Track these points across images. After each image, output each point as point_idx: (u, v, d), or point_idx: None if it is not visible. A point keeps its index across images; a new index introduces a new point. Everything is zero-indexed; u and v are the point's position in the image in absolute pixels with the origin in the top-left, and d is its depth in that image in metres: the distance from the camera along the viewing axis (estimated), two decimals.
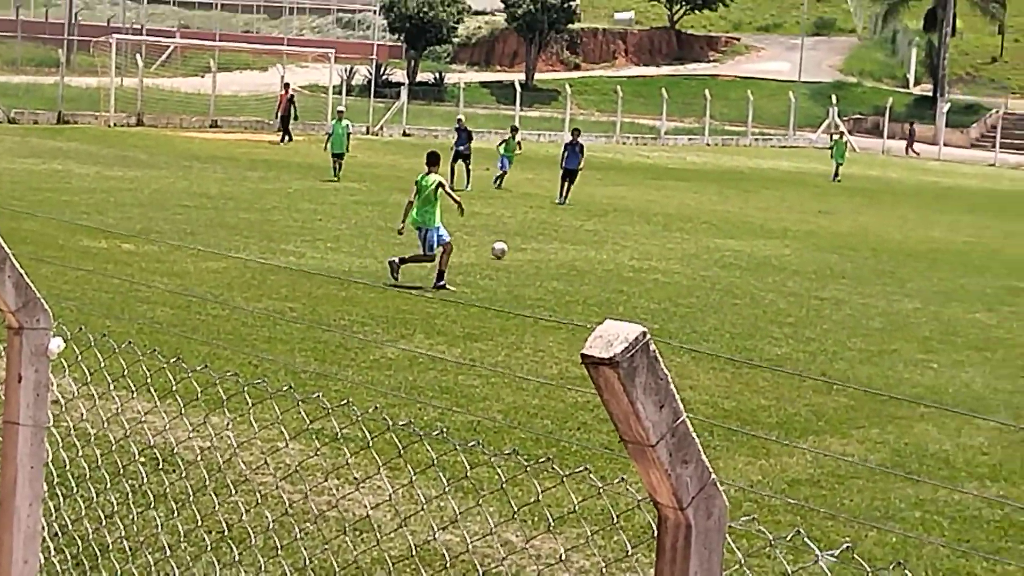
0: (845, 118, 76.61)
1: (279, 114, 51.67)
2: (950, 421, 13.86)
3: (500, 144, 39.93)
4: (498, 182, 38.57)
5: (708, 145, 69.32)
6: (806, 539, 3.91)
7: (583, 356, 3.10)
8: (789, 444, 12.70)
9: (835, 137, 51.15)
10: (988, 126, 76.69)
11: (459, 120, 40.63)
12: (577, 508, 8.24)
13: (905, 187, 49.19)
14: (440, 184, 20.91)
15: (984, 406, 14.97)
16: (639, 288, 21.88)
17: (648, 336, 3.09)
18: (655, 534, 3.31)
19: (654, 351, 3.10)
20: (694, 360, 16.03)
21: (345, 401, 5.84)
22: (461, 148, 38.07)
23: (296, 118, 51.55)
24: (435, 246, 20.61)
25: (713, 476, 3.23)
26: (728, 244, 28.80)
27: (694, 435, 3.18)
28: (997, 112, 77.32)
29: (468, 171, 37.61)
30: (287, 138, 49.69)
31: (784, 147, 72.26)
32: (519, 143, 40.11)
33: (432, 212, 20.70)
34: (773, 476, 11.59)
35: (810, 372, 16.18)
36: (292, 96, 51.03)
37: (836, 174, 49.63)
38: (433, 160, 21.44)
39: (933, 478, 11.92)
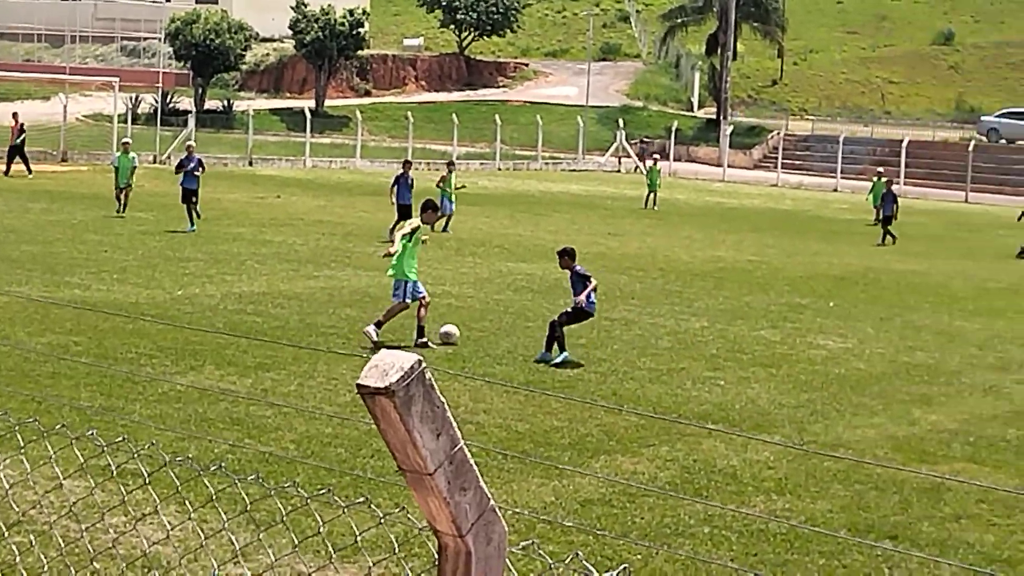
0: (632, 141, 77.90)
1: (10, 144, 48.77)
2: (737, 437, 14.15)
3: (439, 183, 37.86)
4: (444, 226, 35.70)
5: (499, 169, 69.83)
6: (584, 561, 3.93)
7: (359, 386, 3.07)
8: (582, 465, 12.83)
9: (649, 164, 51.17)
10: (770, 147, 78.72)
11: (188, 147, 37.11)
12: (361, 538, 8.19)
13: (692, 208, 50.20)
14: (415, 229, 19.40)
15: (769, 421, 15.33)
16: (432, 313, 21.83)
17: (424, 364, 3.08)
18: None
19: (430, 379, 3.09)
20: (488, 383, 16.09)
21: (122, 438, 5.69)
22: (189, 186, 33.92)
23: (19, 148, 48.30)
24: (411, 299, 19.20)
25: (492, 503, 3.24)
26: (520, 267, 29.02)
27: (472, 462, 3.18)
28: (778, 133, 79.44)
29: (194, 210, 33.61)
30: (27, 170, 47.22)
31: (574, 171, 73.17)
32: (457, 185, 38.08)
33: (407, 263, 19.22)
34: (566, 497, 11.68)
35: (601, 393, 16.38)
36: (22, 125, 48.72)
37: (654, 202, 48.78)
38: (426, 207, 20.50)
39: (721, 494, 12.16)
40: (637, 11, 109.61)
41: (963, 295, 27.92)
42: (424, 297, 19.40)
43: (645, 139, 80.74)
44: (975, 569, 10.26)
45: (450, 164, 40.21)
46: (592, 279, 18.79)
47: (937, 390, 17.69)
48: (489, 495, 3.22)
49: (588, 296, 18.49)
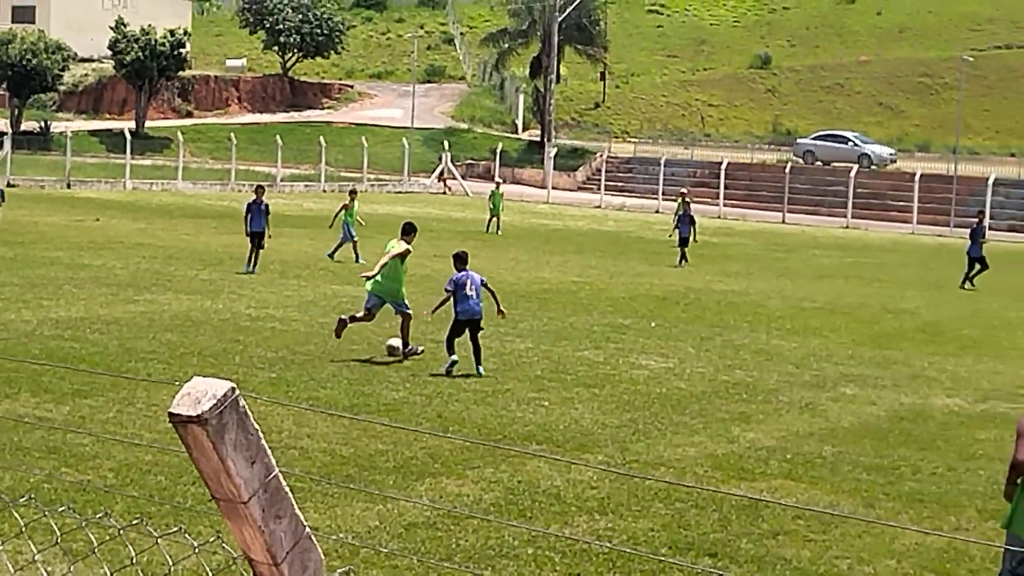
0: (458, 163, 78.20)
1: None
2: (560, 457, 14.27)
3: (339, 211, 37.07)
4: (356, 256, 35.36)
5: (325, 191, 69.48)
6: None
7: (171, 415, 3.05)
8: (406, 488, 12.81)
9: (492, 188, 50.92)
10: (593, 169, 79.65)
11: None
12: (178, 568, 8.07)
13: (517, 230, 50.48)
14: (406, 253, 21.41)
15: (592, 441, 15.49)
16: (256, 337, 21.69)
17: (237, 392, 3.07)
18: None
19: (243, 407, 3.08)
20: (312, 408, 15.99)
21: None
22: None
23: None
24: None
25: (307, 530, 3.22)
26: (346, 290, 28.88)
27: (287, 490, 3.17)
28: (601, 156, 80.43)
29: None
30: None
31: (399, 192, 73.17)
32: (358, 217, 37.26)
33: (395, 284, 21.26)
34: (391, 521, 11.66)
35: (426, 415, 16.38)
36: None
37: (497, 226, 48.57)
38: (407, 230, 21.98)
39: (545, 515, 12.25)
40: (461, 33, 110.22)
41: (780, 314, 28.53)
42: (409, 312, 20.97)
43: (470, 160, 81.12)
44: None
45: (352, 192, 38.93)
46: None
47: (755, 408, 18.04)
48: (304, 522, 3.21)
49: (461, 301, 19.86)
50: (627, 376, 20.02)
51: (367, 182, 73.70)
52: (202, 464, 3.08)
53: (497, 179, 57.25)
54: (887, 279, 38.18)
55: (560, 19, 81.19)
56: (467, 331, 19.69)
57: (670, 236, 42.14)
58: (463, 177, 76.57)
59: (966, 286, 36.48)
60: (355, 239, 36.33)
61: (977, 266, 36.77)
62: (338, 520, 11.58)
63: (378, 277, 21.03)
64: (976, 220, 39.14)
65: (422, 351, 20.62)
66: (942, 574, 11.12)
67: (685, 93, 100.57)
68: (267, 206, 32.61)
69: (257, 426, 3.11)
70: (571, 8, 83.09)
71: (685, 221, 39.64)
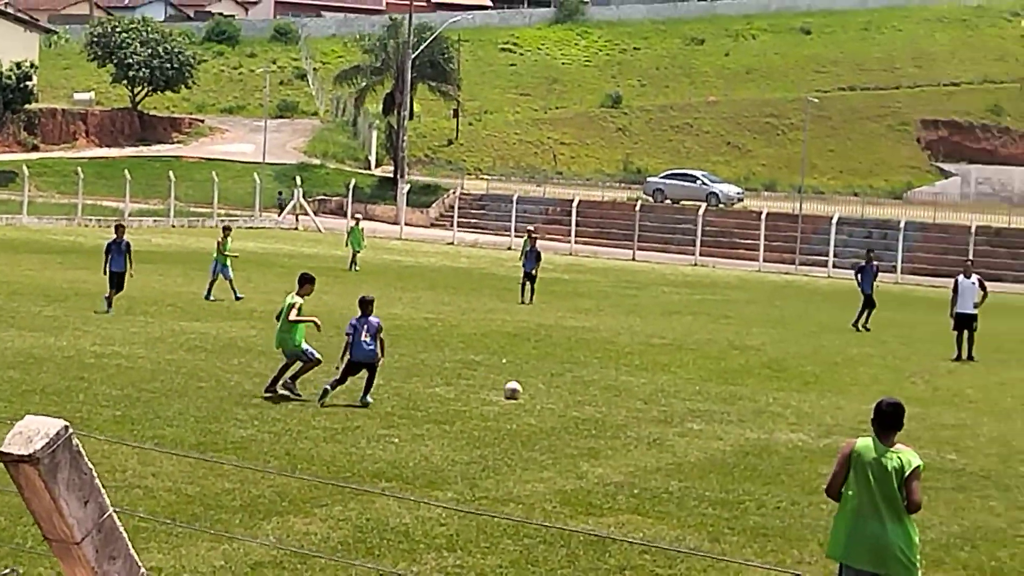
0: (310, 199, 77.77)
1: None
2: (410, 494, 14.27)
3: (218, 247, 36.37)
4: (234, 293, 35.45)
5: (174, 226, 68.64)
6: None
7: (1, 454, 3.01)
8: (253, 527, 12.70)
9: (351, 224, 50.54)
10: (446, 206, 79.77)
11: None
12: None
13: (369, 266, 50.29)
14: (291, 307, 21.00)
15: (442, 478, 15.48)
16: (101, 374, 21.34)
17: (70, 431, 3.04)
18: None
19: (77, 446, 3.05)
20: (158, 446, 15.77)
21: None
22: None
23: None
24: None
25: (143, 570, 3.20)
26: (194, 327, 28.57)
27: (122, 530, 3.14)
28: (454, 192, 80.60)
29: None
30: None
31: (251, 228, 72.50)
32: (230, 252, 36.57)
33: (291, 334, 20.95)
34: (236, 560, 11.54)
35: (274, 453, 16.25)
36: None
37: (353, 262, 48.44)
38: (304, 280, 21.73)
39: (393, 552, 12.22)
40: (314, 69, 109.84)
41: (629, 350, 28.81)
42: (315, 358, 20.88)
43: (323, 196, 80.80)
44: None
45: (226, 229, 38.33)
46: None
47: (604, 444, 18.20)
48: (140, 563, 3.18)
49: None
50: (478, 412, 20.06)
51: (217, 217, 72.94)
52: (34, 504, 3.05)
53: (356, 215, 56.96)
54: (734, 316, 38.78)
55: (413, 56, 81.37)
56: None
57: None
58: (315, 213, 76.19)
59: (860, 328, 35.72)
60: (229, 277, 35.93)
61: (869, 306, 36.14)
62: (182, 560, 11.44)
63: (278, 330, 21.14)
64: (866, 260, 38.27)
65: (300, 396, 20.30)
66: None
67: (537, 131, 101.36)
68: (128, 244, 31.74)
69: (91, 465, 3.08)
70: (424, 45, 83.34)
71: (532, 258, 39.77)
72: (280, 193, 78.06)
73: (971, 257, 46.96)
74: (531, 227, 51.05)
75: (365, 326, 20.51)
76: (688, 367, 26.77)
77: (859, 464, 9.48)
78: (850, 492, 9.49)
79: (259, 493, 13.99)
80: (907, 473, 9.37)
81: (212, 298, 35.02)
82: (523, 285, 39.37)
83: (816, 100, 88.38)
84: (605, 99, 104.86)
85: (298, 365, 20.77)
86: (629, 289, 47.37)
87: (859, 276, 36.84)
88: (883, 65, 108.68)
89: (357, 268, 48.17)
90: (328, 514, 13.37)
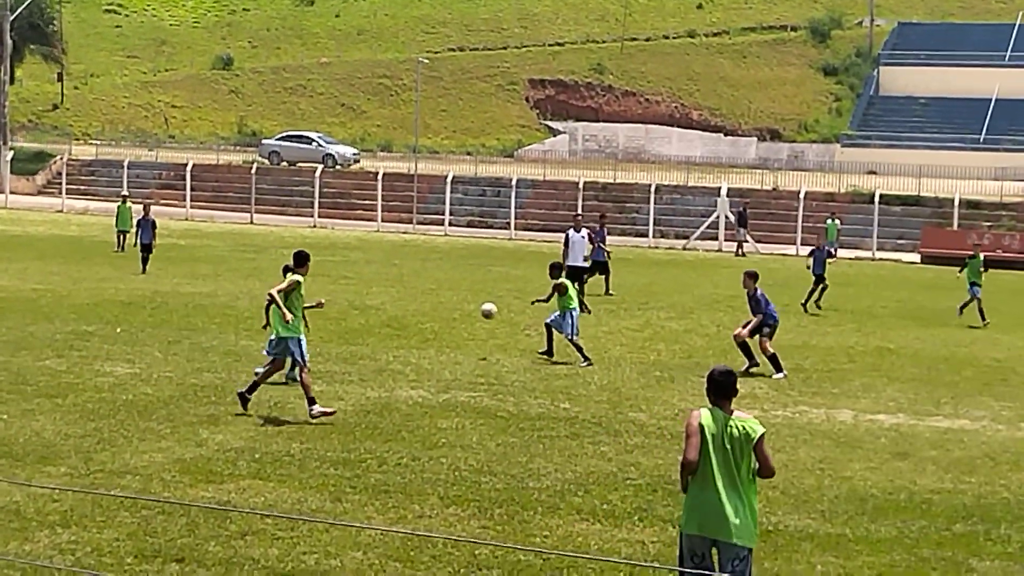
0: None
1: None
2: (20, 471, 13.73)
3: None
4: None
5: None
6: None
7: None
8: None
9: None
10: (54, 173, 76.93)
11: None
12: None
13: None
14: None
15: (55, 453, 14.96)
16: None
17: None
18: None
19: None
20: None
21: None
22: None
23: None
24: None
25: None
26: None
27: None
28: (62, 158, 77.81)
29: None
30: None
31: None
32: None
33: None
34: None
35: None
36: None
37: None
38: (300, 261, 19.44)
39: (4, 531, 11.74)
40: None
41: (249, 315, 28.46)
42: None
43: None
44: None
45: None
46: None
47: (224, 410, 17.96)
48: None
49: None
50: (92, 384, 19.47)
51: None
52: None
53: (123, 194, 52.74)
54: (353, 276, 38.90)
55: (12, 18, 77.97)
56: None
57: (134, 245, 40.44)
58: None
59: (809, 308, 33.87)
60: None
61: (821, 285, 34.33)
62: None
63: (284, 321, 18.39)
64: (817, 242, 36.47)
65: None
66: (406, 561, 11.43)
67: (147, 94, 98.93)
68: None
69: None
70: (23, 7, 79.95)
71: (146, 226, 38.56)
72: None
73: (580, 212, 48.53)
74: (125, 192, 49.31)
75: None
76: (310, 329, 26.65)
77: (703, 436, 9.34)
78: (704, 461, 9.30)
79: None
80: (755, 441, 9.36)
81: None
82: (142, 257, 38.08)
83: (427, 61, 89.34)
84: (216, 61, 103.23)
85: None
86: (248, 253, 46.85)
87: (811, 259, 35.22)
88: (490, 26, 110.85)
89: None
90: None
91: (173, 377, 20.39)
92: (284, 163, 77.19)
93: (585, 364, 23.01)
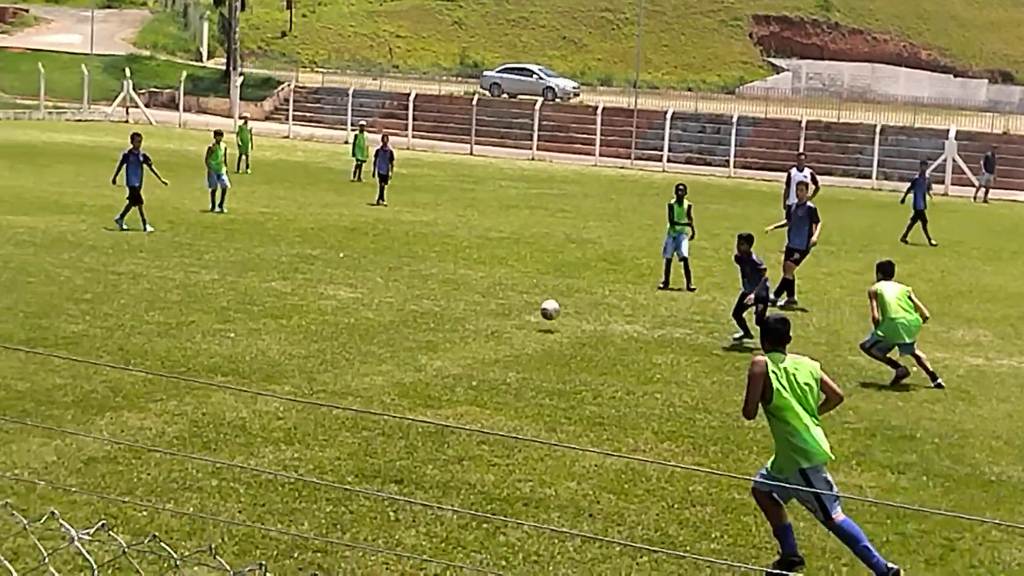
0: (142, 91, 76.04)
1: None
2: (247, 388, 14.13)
3: (207, 155, 33.54)
4: (217, 204, 32.40)
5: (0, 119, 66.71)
6: (60, 520, 3.81)
7: None
8: (86, 423, 12.48)
9: (239, 123, 47.19)
10: (281, 99, 78.55)
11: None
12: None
13: (200, 159, 49.45)
14: None
15: (280, 372, 15.37)
16: None
17: None
18: None
19: None
20: None
21: None
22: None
23: None
24: None
25: None
26: (22, 220, 27.86)
27: None
28: (289, 85, 79.37)
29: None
30: None
31: (79, 120, 70.77)
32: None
33: None
34: (69, 456, 11.34)
35: (107, 349, 15.97)
36: None
37: (247, 165, 45.06)
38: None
39: (230, 446, 12.11)
40: None
41: (467, 244, 28.80)
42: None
43: (154, 88, 79.02)
44: (473, 512, 10.65)
45: (218, 133, 34.93)
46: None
47: (442, 336, 18.20)
48: None
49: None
50: (315, 306, 19.92)
51: (44, 110, 71.03)
52: None
53: (243, 115, 53.21)
54: (571, 210, 38.96)
55: None
56: None
57: (372, 175, 40.09)
58: (146, 106, 74.56)
59: (908, 240, 33.84)
60: (226, 186, 32.99)
61: (920, 220, 34.20)
62: (13, 456, 11.20)
63: None
64: (920, 171, 36.12)
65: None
66: (620, 493, 11.47)
67: (373, 24, 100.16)
68: (147, 156, 28.71)
69: None
70: None
71: (384, 156, 38.73)
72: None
73: (803, 151, 47.75)
74: (363, 122, 50.07)
75: None
76: (526, 260, 26.87)
77: (779, 379, 9.73)
78: (786, 404, 9.69)
79: (92, 388, 13.75)
80: (820, 376, 9.91)
81: (222, 210, 32.17)
82: (380, 187, 37.87)
83: None
84: None
85: None
86: (466, 183, 47.29)
87: (912, 189, 34.92)
88: None
89: (249, 170, 44.83)
90: (163, 409, 13.19)
91: (393, 303, 20.73)
92: (504, 95, 77.50)
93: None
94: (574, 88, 78.73)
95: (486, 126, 70.12)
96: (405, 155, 60.23)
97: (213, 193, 32.97)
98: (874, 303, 17.17)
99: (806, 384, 9.78)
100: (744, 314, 19.45)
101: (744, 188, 53.55)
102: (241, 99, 74.52)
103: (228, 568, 3.99)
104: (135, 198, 28.01)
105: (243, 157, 45.80)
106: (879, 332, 17.03)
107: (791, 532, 9.82)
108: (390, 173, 38.56)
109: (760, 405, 9.75)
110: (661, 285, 24.13)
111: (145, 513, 9.93)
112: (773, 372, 9.73)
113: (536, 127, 66.12)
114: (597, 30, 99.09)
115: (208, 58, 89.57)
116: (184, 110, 73.32)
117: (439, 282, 23.22)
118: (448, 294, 21.99)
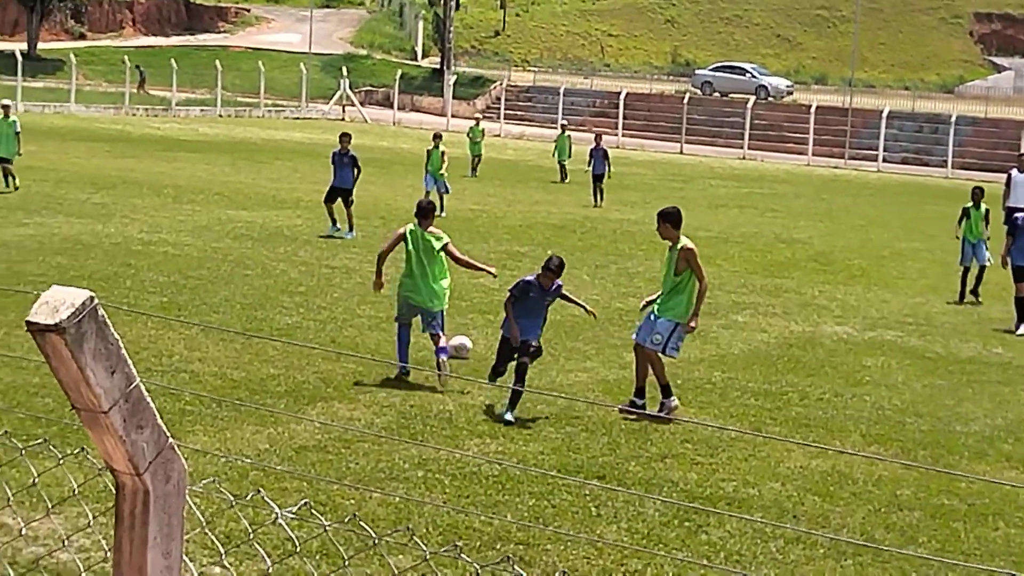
0: (358, 90, 77.56)
1: None
2: (454, 381, 14.28)
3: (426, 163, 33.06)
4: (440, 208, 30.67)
5: (221, 116, 68.64)
6: (265, 498, 3.90)
7: (28, 323, 2.98)
8: (298, 411, 12.77)
9: (471, 123, 46.24)
10: (493, 98, 79.32)
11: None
12: (78, 490, 7.96)
13: (415, 157, 50.19)
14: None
15: (485, 366, 15.47)
16: (148, 261, 21.43)
17: (96, 301, 3.00)
18: None
19: (103, 316, 3.01)
20: (204, 332, 15.84)
21: None
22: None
23: None
24: None
25: (171, 440, 3.18)
26: (240, 215, 28.63)
27: (149, 400, 3.12)
28: (501, 84, 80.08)
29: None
30: None
31: (297, 118, 72.46)
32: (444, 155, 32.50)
33: None
34: (281, 444, 11.61)
35: (319, 340, 16.31)
36: None
37: (475, 167, 44.21)
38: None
39: (436, 438, 12.27)
40: None
41: None
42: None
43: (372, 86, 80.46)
44: (679, 503, 10.59)
45: (436, 136, 33.51)
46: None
47: None
48: (167, 433, 3.16)
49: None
50: None
51: (263, 107, 72.90)
52: (61, 373, 3.02)
53: (476, 115, 52.28)
54: (781, 209, 38.52)
55: None
56: None
57: (585, 172, 39.93)
58: (362, 104, 75.97)
59: None
60: (443, 191, 32.25)
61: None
62: (228, 443, 11.52)
63: None
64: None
65: None
66: (825, 496, 11.29)
67: (585, 23, 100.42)
68: (355, 157, 27.63)
69: (118, 336, 3.04)
70: None
71: (598, 156, 38.08)
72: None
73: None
74: (563, 121, 49.63)
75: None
76: (734, 260, 26.64)
77: None
78: None
79: (304, 379, 14.06)
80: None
81: (442, 213, 30.49)
82: (593, 188, 37.18)
83: None
84: None
85: None
86: (675, 182, 47.10)
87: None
88: None
89: (476, 174, 43.83)
90: (372, 400, 13.43)
91: (600, 300, 20.72)
92: (716, 94, 76.99)
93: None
94: (787, 87, 77.84)
95: (697, 125, 69.73)
96: (615, 154, 60.03)
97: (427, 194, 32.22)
98: None
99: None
100: None
101: (962, 189, 52.19)
102: (454, 97, 75.41)
103: (424, 547, 4.04)
104: (336, 197, 27.03)
105: (475, 159, 44.50)
106: None
107: None
108: (607, 173, 37.69)
109: None
110: (957, 300, 22.97)
111: (352, 501, 10.11)
112: None
113: (748, 126, 65.53)
114: (812, 28, 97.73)
115: (423, 57, 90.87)
116: (398, 108, 74.48)
117: (645, 280, 23.15)
118: (654, 293, 21.85)
